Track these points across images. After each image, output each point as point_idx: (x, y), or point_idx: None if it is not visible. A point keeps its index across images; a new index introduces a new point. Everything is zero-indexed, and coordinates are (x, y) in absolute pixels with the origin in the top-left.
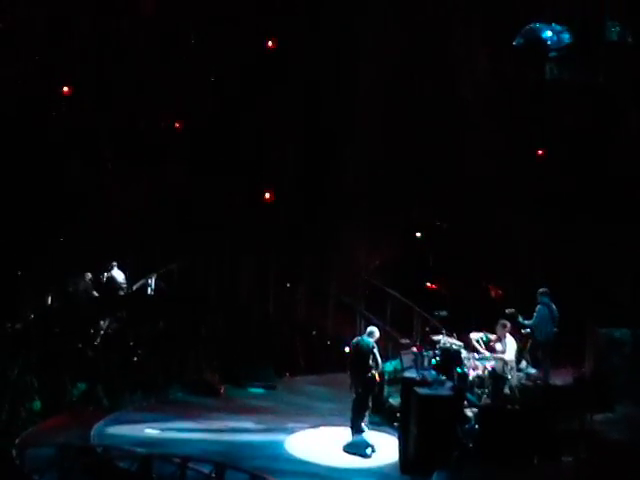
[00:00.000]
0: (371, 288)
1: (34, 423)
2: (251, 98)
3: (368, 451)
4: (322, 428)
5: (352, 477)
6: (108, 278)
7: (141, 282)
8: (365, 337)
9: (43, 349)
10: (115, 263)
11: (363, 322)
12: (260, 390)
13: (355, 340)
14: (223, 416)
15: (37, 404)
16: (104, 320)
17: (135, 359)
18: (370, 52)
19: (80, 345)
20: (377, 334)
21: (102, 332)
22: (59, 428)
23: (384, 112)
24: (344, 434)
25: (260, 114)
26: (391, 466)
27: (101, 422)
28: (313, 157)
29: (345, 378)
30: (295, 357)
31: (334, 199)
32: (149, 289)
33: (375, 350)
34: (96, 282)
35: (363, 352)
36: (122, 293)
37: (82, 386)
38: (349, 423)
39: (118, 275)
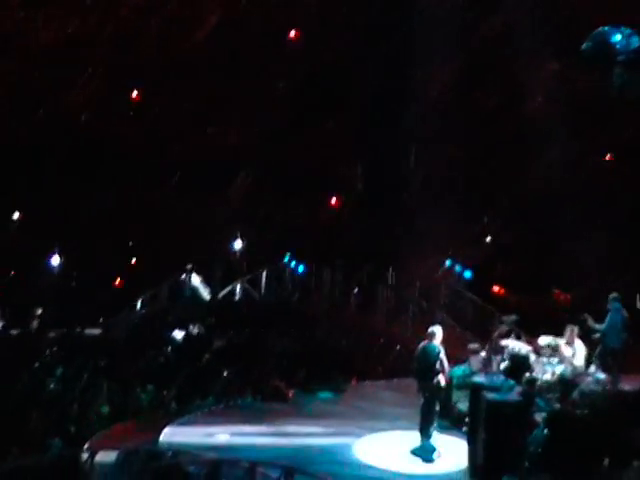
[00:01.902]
0: (450, 292)
1: (103, 428)
2: (318, 111)
3: (436, 456)
4: (390, 433)
5: None
6: (190, 283)
7: (228, 288)
8: (432, 342)
9: (116, 354)
10: (190, 266)
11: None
12: (328, 395)
13: (421, 345)
14: (291, 421)
15: (105, 409)
16: (193, 324)
17: (206, 365)
18: (436, 61)
19: (152, 352)
20: (440, 334)
21: (187, 337)
22: (128, 433)
23: (450, 120)
24: (412, 439)
25: (328, 126)
26: (459, 471)
27: (170, 427)
28: (383, 169)
29: (414, 383)
30: (368, 362)
31: (408, 207)
32: (236, 295)
33: (442, 355)
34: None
35: (430, 357)
36: (204, 298)
37: (151, 389)
38: (417, 428)
39: (195, 280)
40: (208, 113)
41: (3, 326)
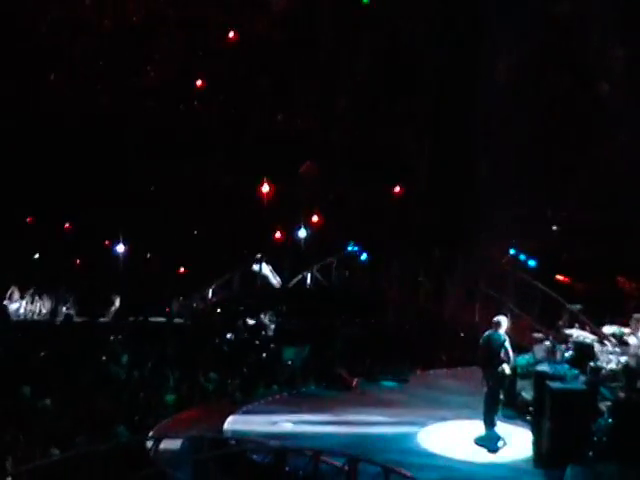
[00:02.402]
0: (516, 280)
1: (168, 416)
2: (389, 100)
3: (500, 444)
4: (454, 422)
5: (485, 470)
6: (261, 272)
7: (299, 277)
8: (497, 331)
9: (181, 343)
10: (260, 255)
11: (509, 316)
12: (393, 384)
13: (486, 334)
14: (355, 409)
15: (170, 397)
16: (264, 313)
17: (269, 353)
18: (505, 49)
19: (217, 340)
20: (505, 323)
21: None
22: (193, 421)
23: (519, 106)
24: (476, 428)
25: (396, 115)
26: (524, 460)
27: (234, 415)
28: (449, 155)
29: (478, 372)
30: (433, 350)
31: (474, 194)
32: (307, 283)
33: (507, 343)
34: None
35: (494, 346)
36: (275, 286)
37: (215, 377)
38: (481, 417)
39: (265, 269)
40: (277, 99)
41: (67, 315)
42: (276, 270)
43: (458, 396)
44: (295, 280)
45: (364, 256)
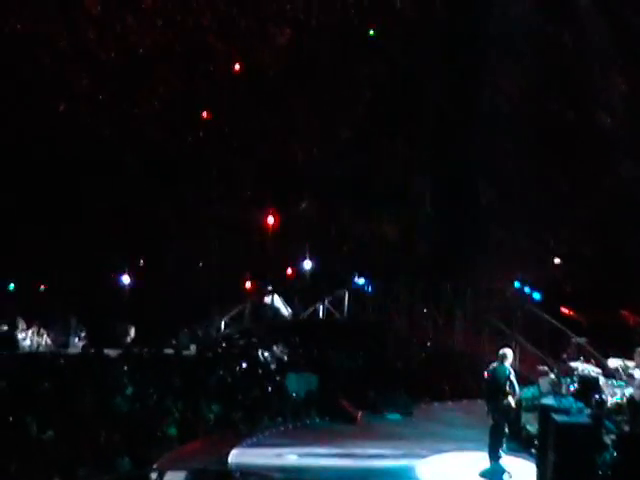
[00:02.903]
0: (526, 313)
1: (172, 448)
2: (389, 126)
3: (505, 477)
4: (459, 454)
5: None
6: (272, 304)
7: (311, 308)
8: (503, 364)
9: (186, 374)
10: (270, 288)
11: (518, 348)
12: (397, 416)
13: (492, 366)
14: (360, 442)
15: (173, 430)
16: (277, 345)
17: (274, 385)
18: (507, 79)
19: (221, 372)
20: (510, 356)
21: (272, 357)
22: (196, 453)
23: (522, 136)
24: (481, 460)
25: (399, 146)
26: None
27: (238, 447)
28: (453, 188)
29: (483, 405)
30: (439, 383)
31: (477, 226)
32: (320, 314)
33: (512, 376)
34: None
35: (499, 378)
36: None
37: (218, 409)
38: (486, 449)
39: (277, 301)
40: (277, 130)
41: (84, 346)
42: (287, 302)
43: (462, 429)
44: (307, 312)
45: (369, 288)
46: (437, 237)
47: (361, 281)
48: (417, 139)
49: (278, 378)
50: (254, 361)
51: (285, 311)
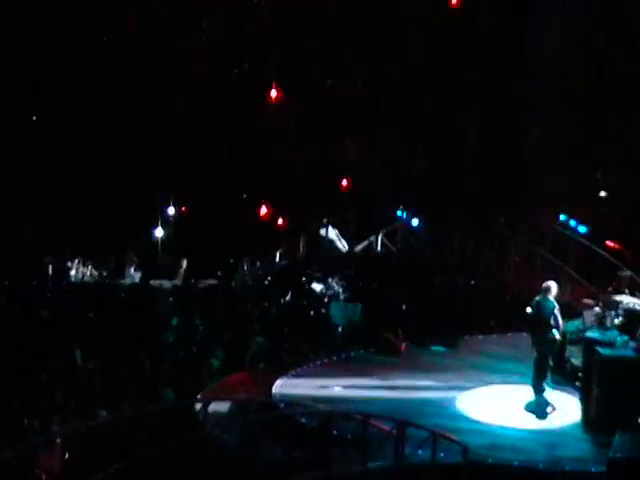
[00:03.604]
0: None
1: (216, 379)
2: (439, 64)
3: (549, 410)
4: (503, 387)
5: (532, 436)
6: (327, 236)
7: (366, 241)
8: (547, 297)
9: (233, 306)
10: (326, 220)
11: (568, 283)
12: (442, 349)
13: (536, 299)
14: (404, 374)
15: (216, 362)
16: (332, 277)
17: (316, 316)
18: (555, 16)
19: (266, 303)
20: (554, 289)
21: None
22: (241, 384)
23: (567, 74)
24: (525, 394)
25: (448, 78)
26: (572, 426)
27: (283, 378)
28: (499, 124)
29: (527, 338)
30: (484, 317)
31: (524, 161)
32: (376, 247)
33: (556, 310)
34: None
35: (544, 312)
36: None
37: (263, 341)
38: (530, 383)
39: (331, 233)
40: (329, 64)
41: (143, 277)
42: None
43: (507, 362)
44: (362, 245)
45: (415, 222)
46: (484, 173)
47: (404, 215)
48: (465, 76)
49: (323, 310)
50: (301, 292)
51: (340, 243)
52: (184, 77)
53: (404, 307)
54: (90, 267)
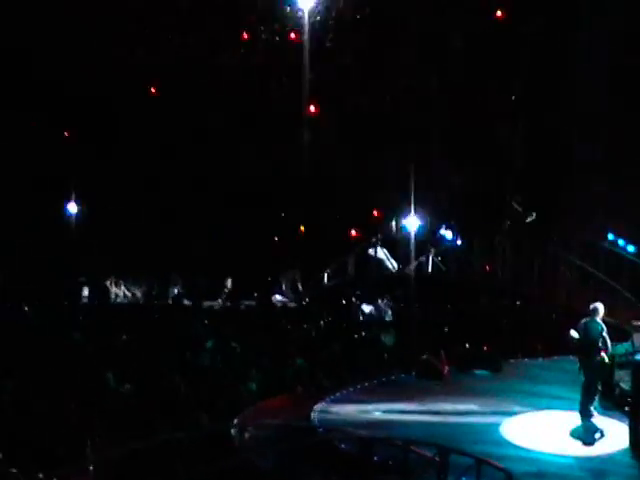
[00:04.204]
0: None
1: (253, 403)
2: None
3: (597, 437)
4: (548, 413)
5: (579, 463)
6: (376, 256)
7: (417, 260)
8: (594, 318)
9: (271, 328)
10: (375, 239)
11: (620, 304)
12: (485, 372)
13: (584, 321)
14: (446, 398)
15: (254, 385)
16: (381, 298)
17: (360, 339)
18: (601, 24)
19: (305, 325)
20: (601, 310)
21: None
22: (278, 409)
23: (615, 87)
24: (571, 419)
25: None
26: (621, 453)
27: (322, 403)
28: (545, 138)
29: (574, 362)
30: (529, 339)
31: (571, 179)
32: (427, 267)
33: (604, 332)
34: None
35: (592, 334)
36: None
37: (302, 363)
38: (577, 408)
39: (380, 252)
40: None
41: (177, 296)
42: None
43: (553, 386)
44: (413, 265)
45: (458, 241)
46: (531, 188)
47: (448, 234)
48: (510, 89)
49: (364, 333)
50: (344, 314)
51: (389, 263)
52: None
53: (446, 329)
54: (123, 287)
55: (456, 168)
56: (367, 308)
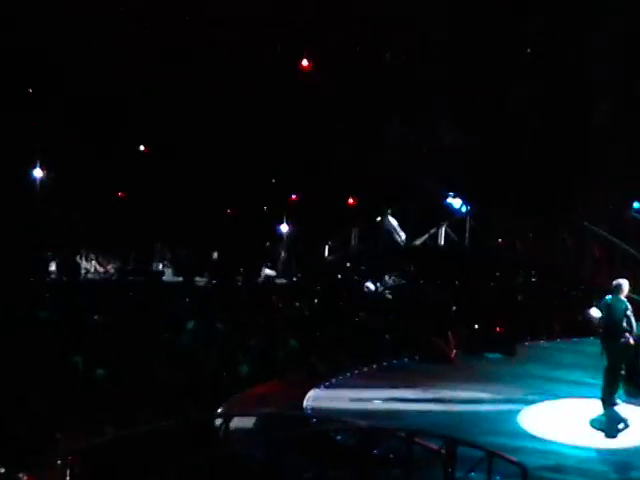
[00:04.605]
0: None
1: (240, 390)
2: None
3: (621, 427)
4: (567, 400)
5: (601, 456)
6: (385, 226)
7: (429, 233)
8: (618, 296)
9: (259, 307)
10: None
11: None
12: (497, 356)
13: (605, 300)
14: (454, 385)
15: (242, 369)
16: (389, 275)
17: (356, 319)
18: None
19: (297, 304)
20: (626, 288)
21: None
22: (268, 396)
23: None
24: (592, 408)
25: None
26: None
27: (315, 389)
28: (565, 106)
29: (595, 344)
30: (546, 319)
31: (591, 149)
32: (439, 240)
33: (629, 311)
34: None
35: (615, 313)
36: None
37: (294, 345)
38: (599, 395)
39: (391, 222)
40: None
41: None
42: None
43: (572, 371)
44: (423, 237)
45: (463, 208)
46: (548, 154)
47: (456, 203)
48: (524, 54)
49: (362, 313)
50: (341, 291)
51: (397, 236)
52: None
53: (454, 308)
54: (93, 262)
55: (467, 133)
56: (372, 286)
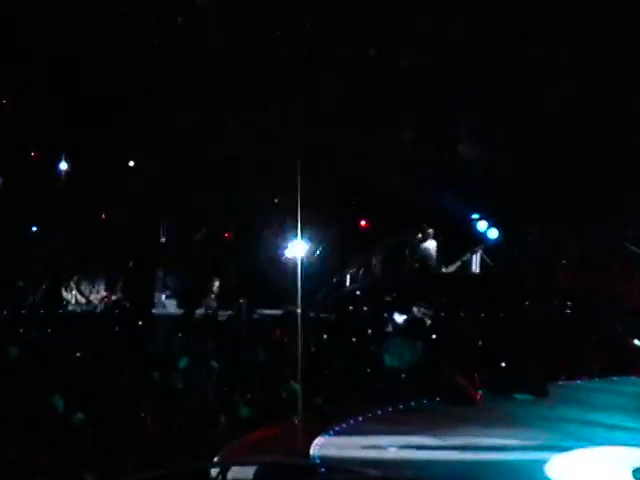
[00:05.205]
0: None
1: (238, 435)
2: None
3: None
4: (605, 448)
5: None
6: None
7: (462, 259)
8: None
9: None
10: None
11: None
12: (527, 397)
13: None
14: (477, 429)
15: (240, 412)
16: (418, 307)
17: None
18: None
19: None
20: None
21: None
22: (269, 442)
23: None
24: (634, 456)
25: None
26: None
27: (323, 435)
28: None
29: (638, 383)
30: (582, 357)
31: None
32: (474, 266)
33: None
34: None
35: None
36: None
37: (297, 388)
38: None
39: (430, 245)
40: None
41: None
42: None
43: (613, 414)
44: (456, 264)
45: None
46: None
47: (484, 226)
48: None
49: (373, 349)
50: (350, 324)
51: (431, 261)
52: None
53: (480, 343)
54: (74, 291)
55: (491, 143)
56: (400, 318)
